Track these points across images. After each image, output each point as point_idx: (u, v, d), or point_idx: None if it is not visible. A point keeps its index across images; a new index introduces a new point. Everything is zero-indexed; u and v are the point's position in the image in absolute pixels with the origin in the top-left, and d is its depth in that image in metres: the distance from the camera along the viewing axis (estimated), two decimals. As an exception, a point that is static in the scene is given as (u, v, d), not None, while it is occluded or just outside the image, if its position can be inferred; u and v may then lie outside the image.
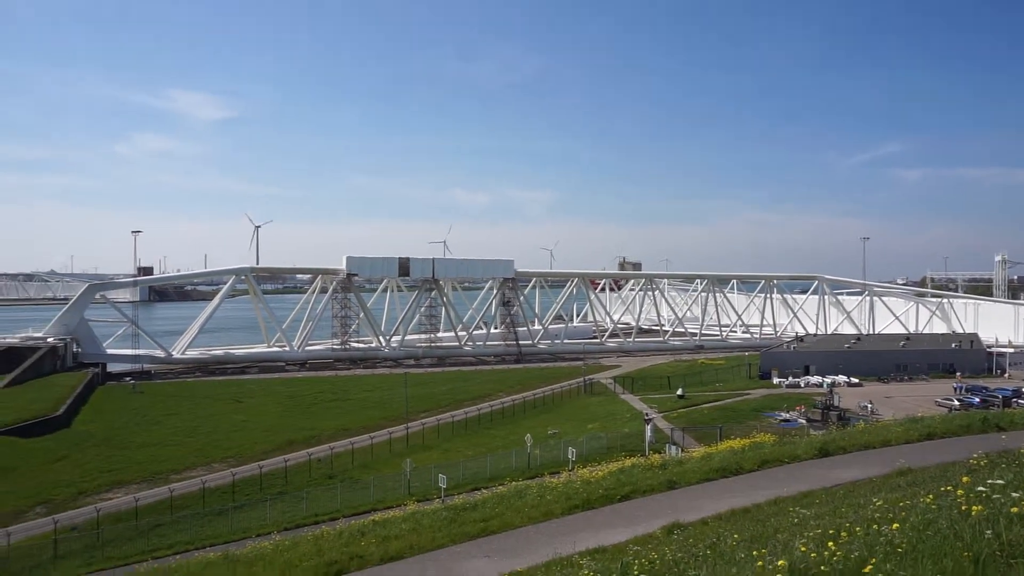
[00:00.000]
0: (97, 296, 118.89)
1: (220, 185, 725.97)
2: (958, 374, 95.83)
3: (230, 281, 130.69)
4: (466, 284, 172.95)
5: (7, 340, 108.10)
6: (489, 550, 19.74)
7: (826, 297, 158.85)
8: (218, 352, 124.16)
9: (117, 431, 73.10)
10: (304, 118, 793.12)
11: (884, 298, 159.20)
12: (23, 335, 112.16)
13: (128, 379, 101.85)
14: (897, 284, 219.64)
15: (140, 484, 57.05)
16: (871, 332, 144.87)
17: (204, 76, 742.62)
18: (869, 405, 73.76)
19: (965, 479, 10.09)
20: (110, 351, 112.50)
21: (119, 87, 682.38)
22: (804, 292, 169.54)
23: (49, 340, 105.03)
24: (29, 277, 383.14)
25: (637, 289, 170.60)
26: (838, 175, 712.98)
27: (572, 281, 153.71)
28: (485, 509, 24.18)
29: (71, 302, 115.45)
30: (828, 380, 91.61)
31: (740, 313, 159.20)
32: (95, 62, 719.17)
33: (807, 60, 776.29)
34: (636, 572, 11.94)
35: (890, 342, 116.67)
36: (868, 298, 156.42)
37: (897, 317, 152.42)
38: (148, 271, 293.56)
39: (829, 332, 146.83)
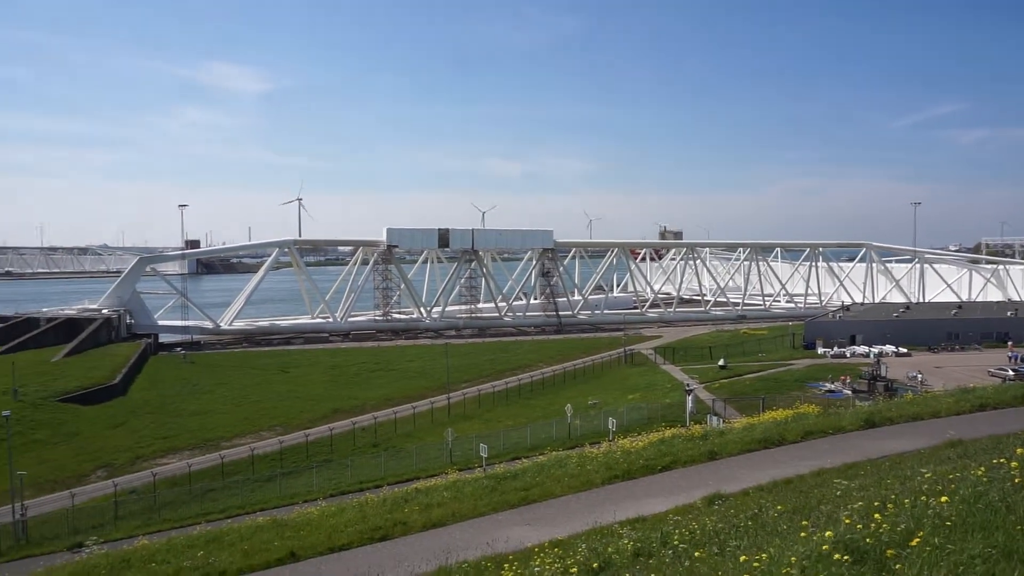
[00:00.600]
0: (147, 269, 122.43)
1: (263, 157, 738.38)
2: (1010, 343, 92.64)
3: (274, 253, 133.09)
4: (505, 255, 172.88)
5: (65, 312, 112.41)
6: (530, 518, 19.97)
7: (874, 265, 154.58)
8: (264, 323, 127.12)
9: (170, 399, 75.75)
10: (340, 91, 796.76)
11: (935, 265, 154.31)
12: (80, 307, 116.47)
13: (179, 349, 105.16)
14: (950, 251, 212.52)
15: (193, 450, 59.20)
16: (921, 301, 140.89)
17: (244, 49, 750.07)
18: (918, 375, 72.02)
19: (1020, 451, 9.81)
20: (161, 322, 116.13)
21: (163, 62, 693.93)
22: (851, 260, 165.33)
23: (104, 312, 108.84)
24: (83, 251, 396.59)
25: (678, 258, 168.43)
26: (888, 138, 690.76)
27: (612, 251, 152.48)
28: (526, 478, 24.42)
29: (123, 275, 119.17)
30: (875, 350, 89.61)
31: (784, 282, 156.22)
32: (137, 37, 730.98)
33: (857, 16, 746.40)
34: (676, 542, 11.96)
35: (941, 311, 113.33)
36: (918, 265, 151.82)
37: (949, 285, 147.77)
38: (195, 244, 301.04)
39: (877, 301, 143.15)
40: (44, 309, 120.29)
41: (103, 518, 44.01)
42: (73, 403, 70.16)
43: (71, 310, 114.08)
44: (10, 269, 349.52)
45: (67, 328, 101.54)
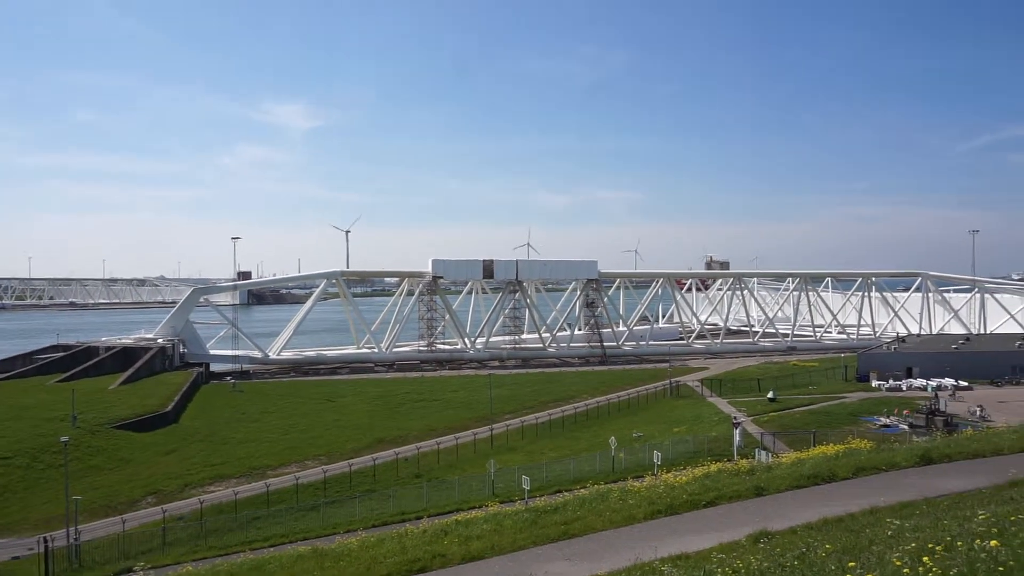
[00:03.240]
0: (201, 300, 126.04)
1: (312, 192, 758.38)
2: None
3: (322, 285, 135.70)
4: (549, 286, 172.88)
5: (122, 341, 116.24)
6: (570, 553, 19.59)
7: (930, 295, 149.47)
8: (311, 353, 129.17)
9: (219, 427, 77.23)
10: (387, 124, 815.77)
11: (997, 295, 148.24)
12: (136, 336, 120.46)
13: (229, 378, 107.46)
14: (1013, 280, 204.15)
15: (239, 478, 60.07)
16: (982, 332, 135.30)
17: (297, 87, 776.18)
18: (979, 410, 68.85)
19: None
20: (213, 352, 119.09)
21: (221, 102, 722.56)
22: (906, 290, 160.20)
23: (159, 341, 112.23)
24: (141, 282, 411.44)
25: (725, 289, 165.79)
26: (945, 163, 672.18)
27: (657, 281, 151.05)
28: (567, 512, 24.02)
29: (178, 305, 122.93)
30: (933, 383, 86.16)
31: (835, 313, 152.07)
32: (199, 78, 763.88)
33: (909, 36, 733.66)
34: (719, 580, 11.57)
35: (1004, 342, 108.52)
36: (978, 295, 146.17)
37: (1012, 315, 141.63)
38: (247, 276, 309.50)
39: (934, 332, 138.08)
40: (103, 338, 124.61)
41: (152, 544, 44.85)
42: (127, 430, 72.13)
43: (128, 339, 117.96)
44: (74, 300, 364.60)
45: (124, 357, 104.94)
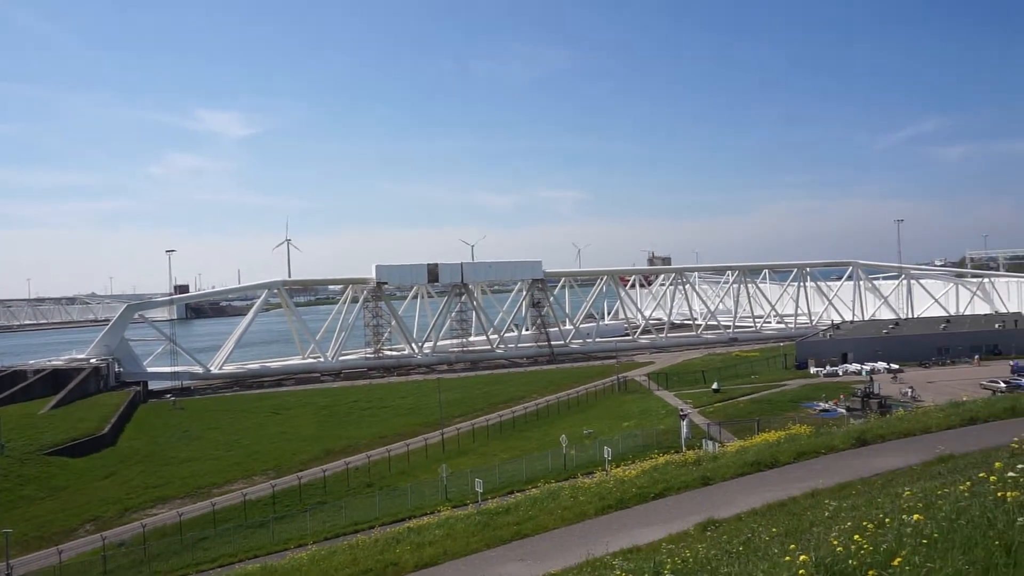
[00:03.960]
0: (136, 316, 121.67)
1: (250, 200, 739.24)
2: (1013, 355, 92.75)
3: (263, 295, 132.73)
4: (495, 287, 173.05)
5: (53, 362, 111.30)
6: (523, 553, 19.68)
7: (861, 283, 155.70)
8: (254, 366, 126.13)
9: (160, 447, 74.68)
10: (326, 129, 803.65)
11: (922, 281, 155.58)
12: (67, 357, 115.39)
13: (168, 396, 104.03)
14: (935, 266, 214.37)
15: (183, 499, 58.18)
16: (910, 316, 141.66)
17: (228, 95, 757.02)
18: (910, 391, 72.10)
19: (999, 464, 9.79)
20: (150, 369, 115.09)
21: (149, 110, 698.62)
22: (838, 279, 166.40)
23: (92, 361, 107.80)
24: (71, 300, 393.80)
25: (667, 284, 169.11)
26: (871, 156, 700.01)
27: (601, 279, 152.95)
28: (519, 512, 24.12)
29: (111, 323, 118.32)
30: (867, 367, 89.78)
31: (773, 303, 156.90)
32: (124, 87, 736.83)
33: (834, 32, 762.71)
34: (668, 571, 11.79)
35: (930, 325, 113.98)
36: (905, 281, 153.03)
37: (936, 299, 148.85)
38: (184, 289, 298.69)
39: (866, 319, 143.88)
40: (31, 361, 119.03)
41: (91, 574, 43.04)
42: (61, 455, 69.05)
43: (58, 361, 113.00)
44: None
45: (54, 379, 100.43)
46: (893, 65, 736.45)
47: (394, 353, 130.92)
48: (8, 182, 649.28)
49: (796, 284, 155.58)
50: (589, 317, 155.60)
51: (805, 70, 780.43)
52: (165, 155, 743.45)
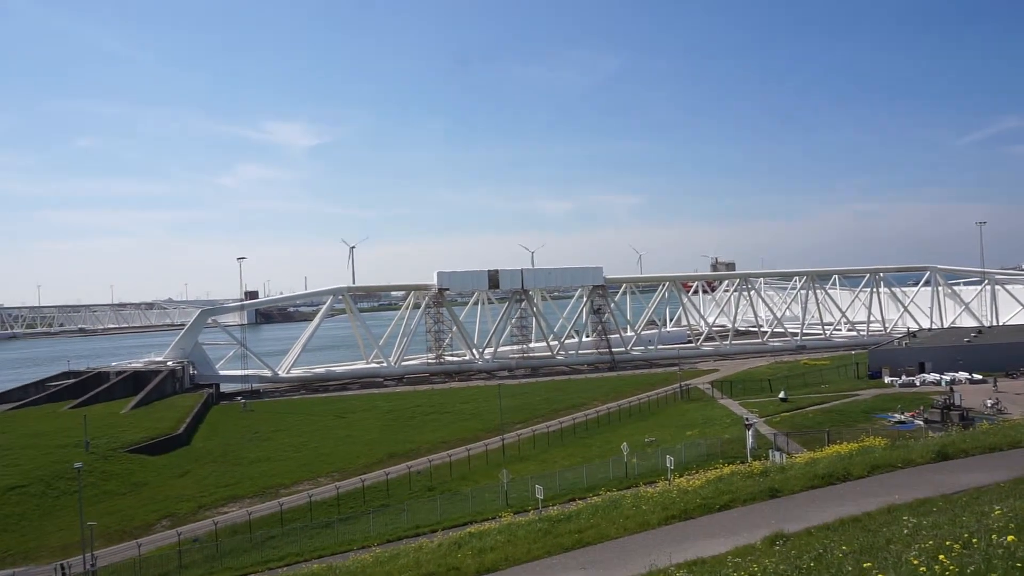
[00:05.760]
0: (209, 321, 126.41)
1: (316, 208, 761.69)
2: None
3: (328, 301, 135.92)
4: (555, 293, 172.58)
5: (132, 365, 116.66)
6: (584, 562, 19.46)
7: (940, 288, 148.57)
8: (320, 370, 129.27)
9: (231, 448, 77.23)
10: (388, 138, 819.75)
11: (1008, 286, 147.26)
12: (146, 360, 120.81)
13: (239, 398, 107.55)
14: (1022, 270, 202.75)
15: (253, 498, 59.97)
16: (994, 324, 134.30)
17: (296, 106, 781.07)
18: (993, 402, 68.29)
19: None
20: (222, 372, 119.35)
21: (221, 123, 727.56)
22: (915, 284, 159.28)
23: (169, 364, 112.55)
24: (150, 306, 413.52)
25: (732, 290, 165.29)
26: (949, 156, 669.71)
27: (663, 285, 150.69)
28: (580, 520, 23.87)
29: (186, 328, 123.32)
30: (947, 377, 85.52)
31: (844, 310, 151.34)
32: (197, 101, 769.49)
33: (909, 29, 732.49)
34: (735, 585, 11.45)
35: (1018, 333, 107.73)
36: (989, 287, 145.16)
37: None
38: (254, 295, 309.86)
39: (945, 326, 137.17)
40: (113, 363, 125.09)
41: (168, 567, 44.77)
42: (140, 454, 72.21)
43: (138, 363, 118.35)
44: (84, 326, 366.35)
45: (134, 381, 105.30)
46: (964, 64, 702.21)
47: (455, 359, 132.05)
48: (92, 193, 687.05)
49: (869, 290, 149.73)
50: (651, 323, 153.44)
51: (871, 69, 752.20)
52: (236, 166, 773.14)
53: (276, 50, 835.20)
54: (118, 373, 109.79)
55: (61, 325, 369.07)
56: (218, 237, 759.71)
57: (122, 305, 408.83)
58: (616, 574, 17.38)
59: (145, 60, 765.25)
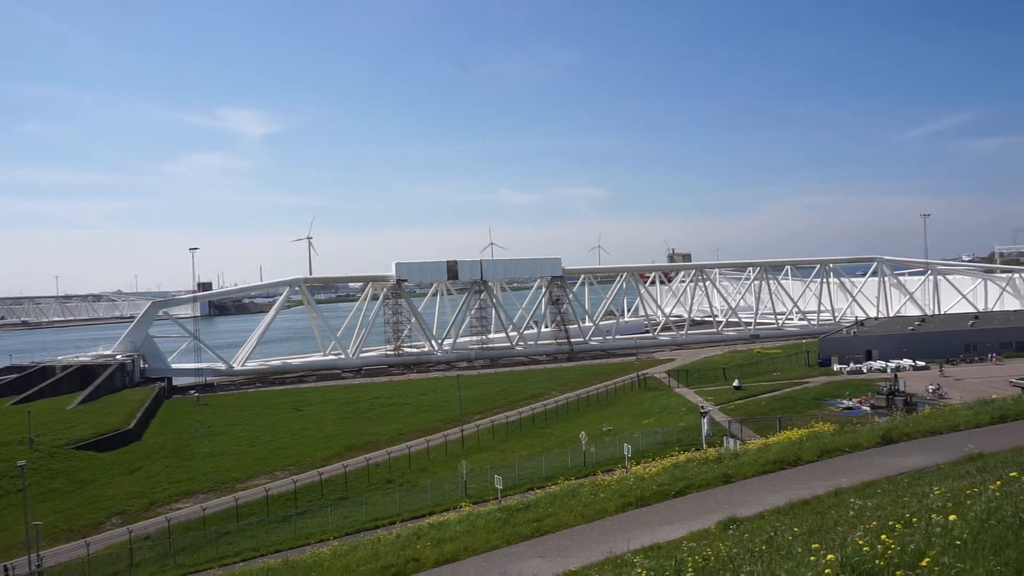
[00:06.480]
0: (160, 313, 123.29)
1: (271, 199, 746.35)
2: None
3: (284, 292, 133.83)
4: (515, 284, 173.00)
5: (80, 359, 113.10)
6: (543, 550, 19.62)
7: (886, 279, 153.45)
8: (276, 362, 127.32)
9: (184, 443, 75.64)
10: (347, 129, 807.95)
11: (949, 276, 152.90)
12: (94, 353, 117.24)
13: (192, 392, 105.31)
14: (962, 261, 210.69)
15: (207, 494, 58.91)
16: (936, 313, 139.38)
17: (251, 94, 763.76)
18: (935, 388, 70.95)
19: (1031, 464, 9.56)
20: (175, 365, 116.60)
21: (171, 109, 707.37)
22: (862, 275, 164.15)
23: (118, 357, 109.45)
24: (97, 298, 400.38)
25: (688, 280, 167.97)
26: (894, 151, 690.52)
27: (621, 276, 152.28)
28: (539, 509, 24.05)
29: (136, 320, 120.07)
30: (892, 364, 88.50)
31: (795, 300, 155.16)
32: (146, 86, 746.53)
33: (858, 29, 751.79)
34: (690, 569, 11.68)
35: (957, 322, 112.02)
36: (931, 277, 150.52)
37: (964, 295, 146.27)
38: (207, 287, 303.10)
39: (891, 315, 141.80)
40: (59, 357, 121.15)
41: (118, 566, 43.70)
42: (88, 450, 70.17)
43: (85, 357, 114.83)
44: (27, 319, 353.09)
45: (81, 375, 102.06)
46: (912, 59, 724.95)
47: (414, 350, 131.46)
48: (34, 180, 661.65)
49: (819, 280, 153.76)
50: (609, 314, 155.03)
51: (822, 67, 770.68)
52: (188, 154, 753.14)
53: (229, 34, 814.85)
54: (64, 367, 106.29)
55: (2, 318, 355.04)
56: (169, 227, 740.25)
57: (68, 297, 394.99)
58: (574, 562, 17.56)
59: (91, 43, 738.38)
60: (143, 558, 44.73)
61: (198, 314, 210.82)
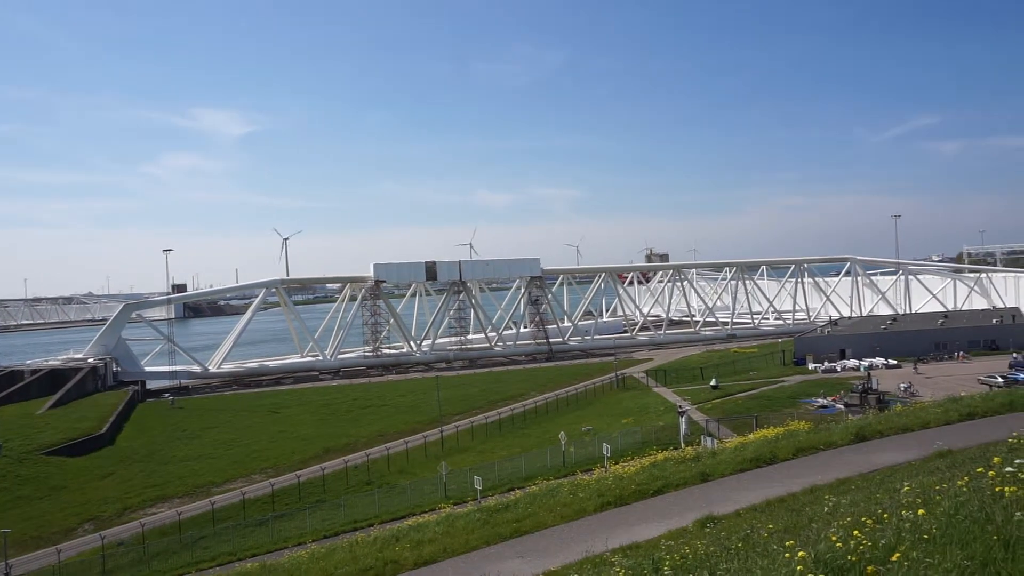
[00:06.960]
0: (133, 315, 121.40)
1: (247, 200, 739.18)
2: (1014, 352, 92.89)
3: (261, 294, 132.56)
4: (493, 285, 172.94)
5: (50, 362, 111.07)
6: (522, 550, 19.70)
7: (859, 278, 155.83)
8: (253, 365, 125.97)
9: (159, 447, 74.59)
10: (325, 129, 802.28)
11: (919, 276, 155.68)
12: (65, 357, 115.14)
13: (167, 395, 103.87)
14: (932, 261, 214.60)
15: (183, 498, 58.13)
16: (907, 312, 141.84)
17: (226, 92, 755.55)
18: (907, 386, 72.21)
19: (996, 459, 9.82)
20: (148, 368, 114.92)
21: (145, 109, 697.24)
22: (836, 275, 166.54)
23: (90, 360, 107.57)
24: (68, 300, 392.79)
25: (665, 281, 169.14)
26: (867, 153, 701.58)
27: (599, 276, 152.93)
28: (518, 509, 24.14)
29: (109, 323, 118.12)
30: (865, 363, 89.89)
31: (771, 299, 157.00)
32: (120, 87, 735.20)
33: (829, 32, 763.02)
34: (668, 568, 11.80)
35: (928, 321, 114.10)
36: (903, 277, 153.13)
37: (934, 295, 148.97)
38: (182, 288, 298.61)
39: (864, 314, 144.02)
40: (28, 361, 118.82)
41: (91, 573, 43.00)
42: (59, 455, 68.92)
43: (55, 360, 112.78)
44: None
45: (52, 379, 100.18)
46: (882, 63, 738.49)
47: (392, 351, 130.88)
48: (4, 181, 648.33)
49: (794, 280, 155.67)
50: (587, 314, 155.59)
51: (795, 70, 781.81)
52: (162, 155, 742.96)
53: (205, 33, 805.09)
54: (33, 371, 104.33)
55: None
56: (143, 229, 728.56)
57: (37, 300, 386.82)
58: (553, 561, 17.67)
59: (64, 43, 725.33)
60: (116, 564, 44.03)
61: (172, 316, 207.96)
